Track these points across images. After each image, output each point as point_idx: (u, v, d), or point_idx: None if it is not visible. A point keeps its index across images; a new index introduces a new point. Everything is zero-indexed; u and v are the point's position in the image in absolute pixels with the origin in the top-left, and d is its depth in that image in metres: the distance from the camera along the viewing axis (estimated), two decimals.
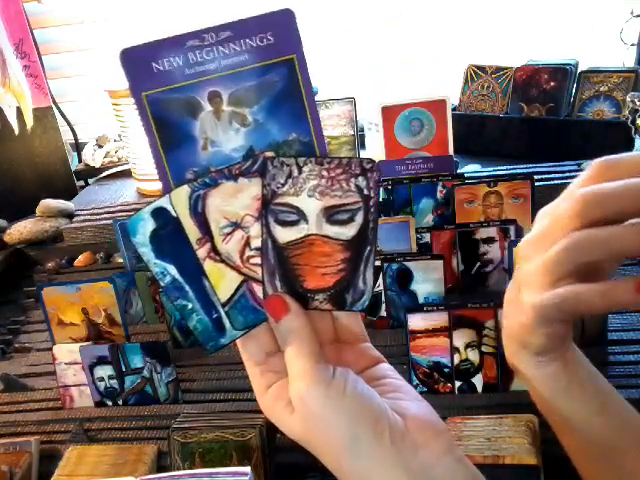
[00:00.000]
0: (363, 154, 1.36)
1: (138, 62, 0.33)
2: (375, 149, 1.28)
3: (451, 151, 1.12)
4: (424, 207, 1.01)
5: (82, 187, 1.57)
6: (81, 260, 1.23)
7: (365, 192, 0.35)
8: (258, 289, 0.36)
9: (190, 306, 0.36)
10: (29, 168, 1.46)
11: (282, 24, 0.34)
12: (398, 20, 1.57)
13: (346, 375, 0.33)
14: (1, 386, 0.98)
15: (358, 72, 1.60)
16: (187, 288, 0.35)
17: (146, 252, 0.35)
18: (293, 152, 0.35)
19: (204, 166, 0.35)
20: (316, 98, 1.33)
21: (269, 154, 0.35)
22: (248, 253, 0.36)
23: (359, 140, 1.33)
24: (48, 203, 1.31)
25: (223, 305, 0.36)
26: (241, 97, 0.34)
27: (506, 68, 1.35)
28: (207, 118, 0.34)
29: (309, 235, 0.35)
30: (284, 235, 0.35)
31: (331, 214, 0.35)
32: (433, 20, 1.55)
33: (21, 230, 1.26)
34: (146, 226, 0.34)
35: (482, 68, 1.38)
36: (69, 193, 1.47)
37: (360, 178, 0.35)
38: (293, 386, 0.33)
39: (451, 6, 1.53)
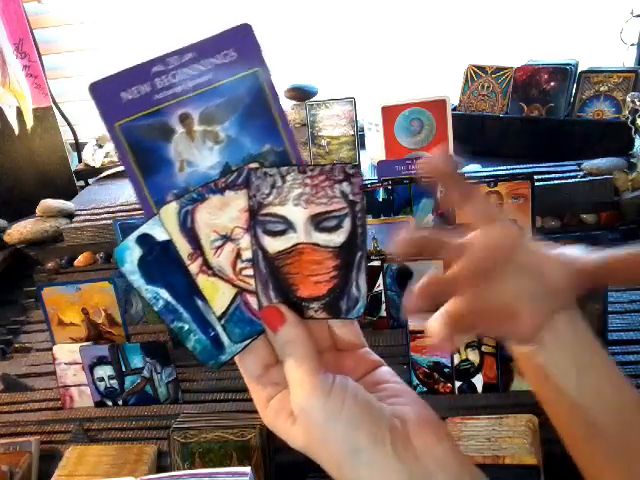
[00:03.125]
0: (363, 154, 1.36)
1: (107, 94, 0.34)
2: (375, 149, 1.28)
3: (451, 151, 1.12)
4: (424, 207, 1.01)
5: (82, 187, 1.57)
6: (81, 260, 1.23)
7: (350, 197, 0.35)
8: (253, 300, 0.36)
9: (186, 327, 0.36)
10: (29, 168, 1.46)
11: (242, 39, 0.34)
12: (398, 20, 1.57)
13: (345, 384, 0.33)
14: (1, 386, 0.98)
15: (358, 72, 1.60)
16: (181, 310, 0.36)
17: (136, 279, 0.35)
18: (268, 163, 0.36)
19: (183, 187, 0.35)
20: (316, 98, 1.32)
21: (253, 165, 0.35)
22: (240, 265, 0.36)
23: (359, 140, 1.33)
24: (48, 203, 1.31)
25: (219, 318, 0.36)
26: (211, 115, 0.35)
27: (506, 68, 1.35)
28: (180, 140, 0.35)
29: (298, 244, 0.35)
30: (273, 245, 0.35)
31: (318, 221, 0.35)
32: (433, 20, 1.55)
33: (21, 230, 1.26)
34: (133, 254, 0.35)
35: (482, 68, 1.38)
36: (69, 193, 1.47)
37: (344, 184, 0.35)
38: (293, 397, 0.33)
39: (451, 6, 1.53)
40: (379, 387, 0.36)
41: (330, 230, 0.35)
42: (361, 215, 0.35)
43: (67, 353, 0.90)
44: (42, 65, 1.45)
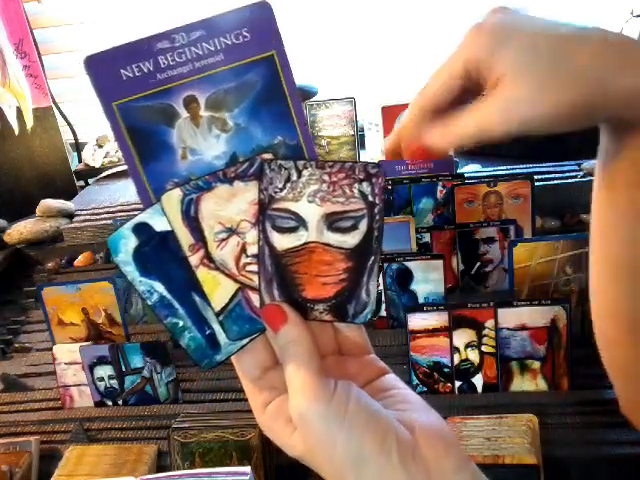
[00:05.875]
0: (363, 154, 1.36)
1: (105, 70, 0.31)
2: (375, 149, 1.28)
3: (451, 151, 1.12)
4: (424, 207, 1.01)
5: (82, 187, 1.57)
6: (81, 260, 1.23)
7: (370, 199, 0.33)
8: (254, 298, 0.34)
9: (181, 324, 0.34)
10: (29, 168, 1.46)
11: (258, 19, 0.31)
12: (398, 20, 1.57)
13: (348, 389, 0.31)
14: (1, 386, 0.98)
15: (358, 72, 1.60)
16: (176, 305, 0.34)
17: (130, 271, 0.33)
18: (280, 157, 0.33)
19: (185, 176, 0.32)
20: (316, 98, 1.31)
21: (267, 156, 0.33)
22: (244, 260, 0.34)
23: (359, 140, 1.33)
24: (48, 203, 1.31)
25: (217, 314, 0.34)
26: (219, 100, 0.32)
27: None
28: (184, 125, 0.32)
29: (309, 242, 0.33)
30: (282, 242, 0.33)
31: (333, 221, 0.33)
32: (433, 20, 1.55)
33: (21, 230, 1.26)
34: (128, 243, 0.33)
35: None
36: (69, 193, 1.47)
37: (364, 184, 0.32)
38: (293, 403, 0.31)
39: (451, 6, 1.53)
40: (386, 394, 0.34)
41: (344, 231, 0.33)
42: (379, 217, 0.33)
43: (67, 353, 0.90)
44: (42, 65, 1.44)
